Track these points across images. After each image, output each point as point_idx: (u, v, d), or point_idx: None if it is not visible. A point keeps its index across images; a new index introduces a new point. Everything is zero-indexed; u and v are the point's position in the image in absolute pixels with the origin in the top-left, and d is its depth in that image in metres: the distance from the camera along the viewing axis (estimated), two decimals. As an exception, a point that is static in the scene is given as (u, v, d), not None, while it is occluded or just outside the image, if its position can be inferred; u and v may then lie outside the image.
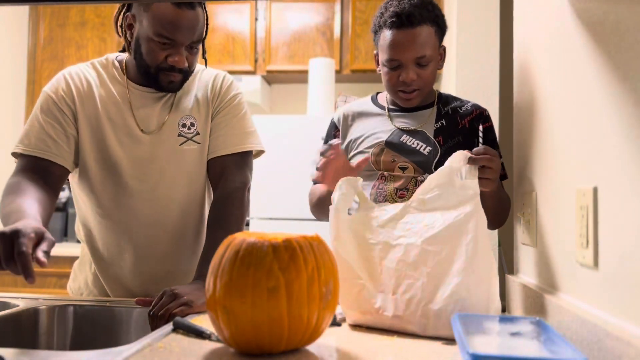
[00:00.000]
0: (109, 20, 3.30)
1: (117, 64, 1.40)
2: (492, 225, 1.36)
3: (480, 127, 1.24)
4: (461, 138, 1.37)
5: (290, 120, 2.85)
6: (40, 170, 1.29)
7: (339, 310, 1.09)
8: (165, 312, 1.09)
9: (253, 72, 3.20)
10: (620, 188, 0.73)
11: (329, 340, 0.93)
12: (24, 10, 3.37)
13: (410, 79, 1.32)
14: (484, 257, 0.94)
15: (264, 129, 2.86)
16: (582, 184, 0.85)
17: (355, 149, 1.45)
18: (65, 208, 3.34)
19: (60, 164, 1.30)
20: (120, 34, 1.34)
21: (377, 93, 1.53)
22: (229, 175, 1.38)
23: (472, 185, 0.99)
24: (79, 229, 1.46)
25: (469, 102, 1.44)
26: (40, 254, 0.93)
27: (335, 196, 1.07)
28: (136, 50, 1.30)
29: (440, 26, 1.36)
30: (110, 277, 1.40)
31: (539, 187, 1.09)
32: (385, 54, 1.33)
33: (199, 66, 1.46)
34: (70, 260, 2.90)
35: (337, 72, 3.13)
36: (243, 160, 1.42)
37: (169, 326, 1.00)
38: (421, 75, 1.33)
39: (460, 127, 1.38)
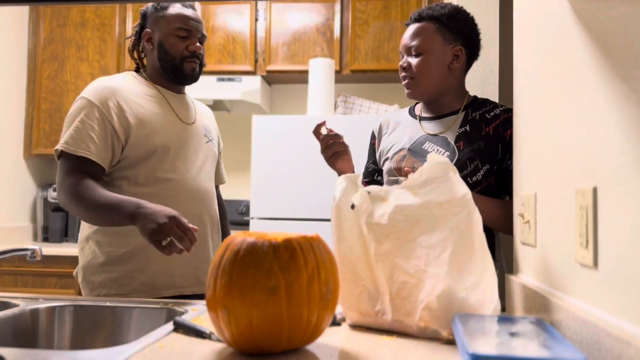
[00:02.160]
0: (109, 20, 3.30)
1: (141, 75, 1.68)
2: (498, 229, 1.37)
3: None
4: (482, 144, 1.38)
5: (290, 120, 2.85)
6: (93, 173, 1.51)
7: (339, 310, 1.09)
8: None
9: (253, 73, 3.20)
10: (620, 188, 0.73)
11: (329, 340, 0.93)
12: (24, 10, 3.37)
13: (402, 66, 1.48)
14: (483, 257, 0.94)
15: (264, 129, 2.86)
16: (582, 184, 0.85)
17: (384, 156, 1.51)
18: (65, 208, 3.35)
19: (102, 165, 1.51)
20: (137, 56, 1.68)
21: (416, 104, 1.61)
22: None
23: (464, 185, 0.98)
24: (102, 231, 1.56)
25: (500, 106, 1.45)
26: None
27: (336, 193, 1.07)
28: (160, 51, 1.62)
29: (445, 24, 1.42)
30: (157, 270, 1.52)
31: (539, 187, 1.09)
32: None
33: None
34: (71, 260, 2.92)
35: (337, 72, 3.13)
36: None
37: (169, 326, 1.00)
38: (412, 64, 1.46)
39: (484, 133, 1.40)
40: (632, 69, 0.70)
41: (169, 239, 1.29)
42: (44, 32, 3.35)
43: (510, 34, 1.40)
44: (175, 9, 1.62)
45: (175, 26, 1.60)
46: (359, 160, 2.83)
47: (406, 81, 1.48)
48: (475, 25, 1.51)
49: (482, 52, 2.65)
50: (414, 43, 1.45)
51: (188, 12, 1.63)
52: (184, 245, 1.29)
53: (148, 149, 1.54)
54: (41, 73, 3.33)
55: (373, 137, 1.68)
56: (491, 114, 1.43)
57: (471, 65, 1.53)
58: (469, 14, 1.51)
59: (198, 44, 1.62)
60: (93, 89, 1.55)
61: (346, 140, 1.59)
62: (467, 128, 1.41)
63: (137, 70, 1.70)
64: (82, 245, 1.61)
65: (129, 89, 1.59)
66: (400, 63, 1.49)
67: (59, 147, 1.49)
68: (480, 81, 2.67)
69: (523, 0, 1.25)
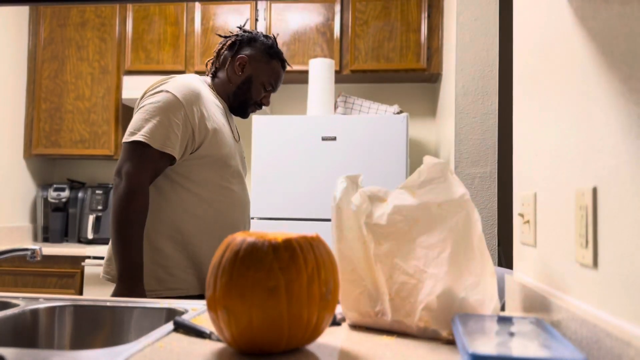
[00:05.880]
0: (109, 20, 3.30)
1: (210, 85, 1.75)
2: None
3: None
4: None
5: (290, 120, 2.86)
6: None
7: (339, 310, 1.09)
8: None
9: (253, 72, 3.20)
10: (620, 188, 0.73)
11: (329, 340, 0.93)
12: (24, 10, 3.37)
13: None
14: (482, 256, 0.94)
15: (264, 129, 2.86)
16: (582, 184, 0.85)
17: None
18: (65, 208, 3.35)
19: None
20: (220, 64, 1.74)
21: None
22: None
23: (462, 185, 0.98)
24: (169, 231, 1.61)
25: None
26: None
27: (336, 193, 1.06)
28: (245, 84, 1.71)
29: None
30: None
31: (538, 187, 1.09)
32: None
33: None
34: (71, 260, 2.92)
35: (337, 72, 3.13)
36: None
37: (169, 326, 1.00)
38: None
39: None
40: (632, 68, 0.71)
41: None
42: (44, 32, 3.35)
43: (510, 34, 1.40)
44: (278, 64, 1.74)
45: (270, 80, 1.73)
46: (359, 159, 2.84)
47: None
48: None
49: (482, 52, 2.66)
50: None
51: (283, 73, 1.76)
52: None
53: (217, 156, 1.60)
54: (41, 73, 3.33)
55: None
56: None
57: None
58: None
59: (269, 100, 1.77)
60: (180, 87, 1.57)
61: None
62: None
63: (215, 73, 1.75)
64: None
65: (205, 95, 1.64)
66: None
67: (141, 138, 1.49)
68: (480, 81, 2.67)
69: (523, 1, 1.25)
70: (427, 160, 1.01)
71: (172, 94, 1.55)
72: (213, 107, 1.65)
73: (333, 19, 3.15)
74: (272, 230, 2.78)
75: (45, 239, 3.36)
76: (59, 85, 3.31)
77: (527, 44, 1.21)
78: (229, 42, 1.73)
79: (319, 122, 2.80)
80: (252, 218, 2.81)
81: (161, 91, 1.56)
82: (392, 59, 3.11)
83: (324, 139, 2.77)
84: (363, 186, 1.08)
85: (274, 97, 3.55)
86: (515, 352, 0.71)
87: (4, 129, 3.20)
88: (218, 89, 1.75)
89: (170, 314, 1.22)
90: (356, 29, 3.13)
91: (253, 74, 1.71)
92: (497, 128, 2.64)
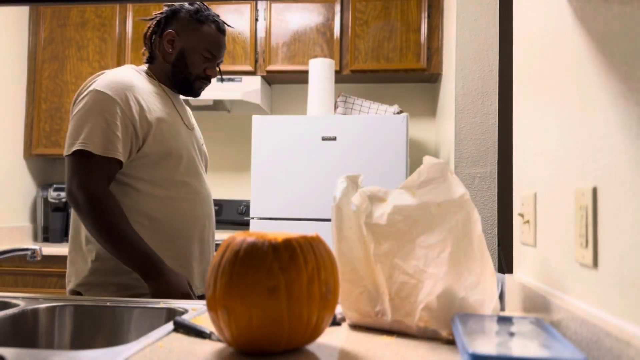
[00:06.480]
0: (109, 20, 3.30)
1: (145, 70, 1.61)
2: None
3: None
4: None
5: (290, 120, 2.86)
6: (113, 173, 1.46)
7: (339, 310, 1.09)
8: None
9: (253, 73, 3.20)
10: (620, 188, 0.73)
11: (329, 340, 0.93)
12: (24, 10, 3.37)
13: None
14: (482, 256, 0.94)
15: (264, 129, 2.86)
16: (582, 184, 0.85)
17: None
18: (65, 208, 3.35)
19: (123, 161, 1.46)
20: (153, 47, 1.60)
21: None
22: None
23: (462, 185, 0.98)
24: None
25: None
26: None
27: (336, 193, 1.07)
28: (179, 60, 1.56)
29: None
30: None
31: (539, 187, 1.09)
32: None
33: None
34: (71, 260, 2.92)
35: (337, 72, 3.13)
36: None
37: (169, 326, 1.00)
38: None
39: None
40: (632, 68, 0.71)
41: None
42: (44, 32, 3.35)
43: (510, 34, 1.40)
44: (211, 27, 1.56)
45: (205, 46, 1.56)
46: (359, 159, 2.84)
47: None
48: None
49: (482, 52, 2.66)
50: None
51: (220, 36, 1.59)
52: None
53: (165, 150, 1.48)
54: (41, 73, 3.33)
55: None
56: None
57: None
58: None
59: (215, 70, 1.60)
60: (110, 84, 1.45)
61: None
62: None
63: (150, 59, 1.61)
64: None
65: (140, 86, 1.51)
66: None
67: (81, 147, 1.38)
68: (480, 81, 2.67)
69: (523, 1, 1.25)
70: (427, 160, 1.01)
71: (102, 92, 1.42)
72: (152, 96, 1.52)
73: (333, 19, 3.15)
74: (272, 230, 2.78)
75: (45, 239, 3.36)
76: (59, 85, 3.31)
77: (527, 44, 1.21)
78: (154, 22, 1.59)
79: (319, 122, 2.80)
80: (252, 218, 2.81)
81: (90, 92, 1.44)
82: (392, 59, 3.10)
83: (324, 139, 2.77)
84: (363, 186, 1.08)
85: (274, 96, 3.55)
86: (515, 352, 0.71)
87: (4, 129, 3.20)
88: (157, 74, 1.60)
89: (170, 314, 1.22)
90: (356, 29, 3.13)
91: (184, 46, 1.55)
92: (497, 128, 2.64)
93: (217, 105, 3.42)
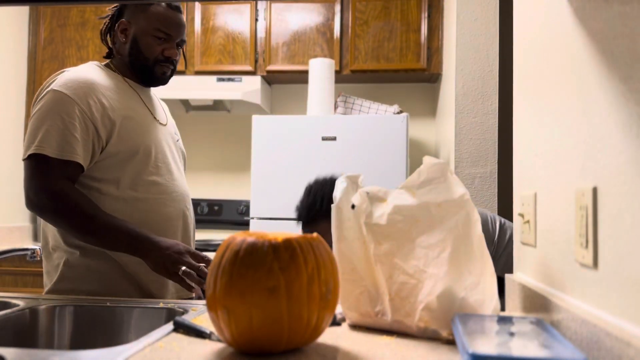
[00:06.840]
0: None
1: (110, 66, 1.54)
2: None
3: None
4: None
5: (290, 120, 2.85)
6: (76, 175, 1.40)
7: (339, 310, 1.09)
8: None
9: (253, 73, 3.20)
10: (620, 188, 0.73)
11: (329, 340, 0.93)
12: (24, 10, 3.37)
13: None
14: (482, 256, 0.94)
15: (264, 129, 2.86)
16: (582, 184, 0.85)
17: None
18: (65, 208, 3.34)
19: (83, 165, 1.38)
20: (110, 42, 1.55)
21: None
22: None
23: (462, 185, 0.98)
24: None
25: None
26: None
27: (336, 193, 1.07)
28: (133, 47, 1.48)
29: None
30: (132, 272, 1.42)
31: (538, 187, 1.09)
32: None
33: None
34: (71, 260, 2.92)
35: (337, 72, 3.13)
36: None
37: (169, 326, 1.00)
38: None
39: None
40: (632, 68, 0.71)
41: (183, 268, 1.27)
42: (44, 32, 3.35)
43: (510, 34, 1.40)
44: (160, 5, 1.47)
45: (155, 26, 1.46)
46: (359, 159, 2.84)
47: None
48: None
49: (482, 52, 2.66)
50: None
51: (171, 13, 1.48)
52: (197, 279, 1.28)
53: (131, 149, 1.41)
54: (41, 73, 3.33)
55: None
56: None
57: None
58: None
59: (174, 50, 1.50)
60: (68, 83, 1.38)
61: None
62: None
63: (108, 56, 1.55)
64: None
65: (102, 83, 1.44)
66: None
67: (36, 150, 1.31)
68: (480, 81, 2.67)
69: (523, 1, 1.25)
70: (427, 160, 1.01)
71: (60, 91, 1.36)
72: (116, 93, 1.45)
73: (333, 19, 3.15)
74: (272, 230, 2.78)
75: (45, 239, 3.35)
76: (59, 85, 3.31)
77: (527, 43, 1.21)
78: (108, 18, 1.53)
79: (319, 122, 2.80)
80: (252, 218, 2.81)
81: (48, 92, 1.37)
82: (392, 59, 3.11)
83: (324, 139, 2.77)
84: (363, 186, 1.08)
85: (274, 96, 3.55)
86: (515, 352, 0.71)
87: (4, 129, 3.20)
88: (120, 69, 1.53)
89: (170, 314, 1.22)
90: (356, 29, 3.13)
91: (136, 32, 1.47)
92: (497, 128, 2.65)
93: (217, 105, 3.42)
